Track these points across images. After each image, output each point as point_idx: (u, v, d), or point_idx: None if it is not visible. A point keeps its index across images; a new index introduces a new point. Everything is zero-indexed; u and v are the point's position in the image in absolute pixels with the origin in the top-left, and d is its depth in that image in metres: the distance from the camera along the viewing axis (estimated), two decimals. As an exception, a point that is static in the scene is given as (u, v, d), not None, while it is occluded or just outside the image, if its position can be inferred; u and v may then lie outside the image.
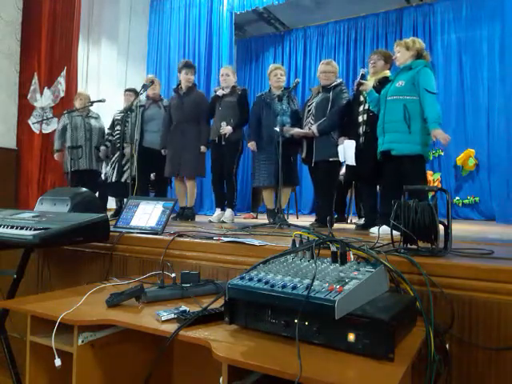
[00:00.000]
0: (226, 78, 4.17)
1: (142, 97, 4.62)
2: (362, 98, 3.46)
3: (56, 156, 4.96)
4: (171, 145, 4.24)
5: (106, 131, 4.85)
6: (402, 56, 3.07)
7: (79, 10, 5.86)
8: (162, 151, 4.33)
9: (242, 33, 8.50)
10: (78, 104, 4.88)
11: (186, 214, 4.24)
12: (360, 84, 3.29)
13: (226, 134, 4.01)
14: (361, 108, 3.44)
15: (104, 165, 5.00)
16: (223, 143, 4.04)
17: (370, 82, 3.35)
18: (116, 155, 4.56)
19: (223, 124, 4.05)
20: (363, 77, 3.37)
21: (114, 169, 4.56)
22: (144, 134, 4.45)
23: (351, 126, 3.50)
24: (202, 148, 4.15)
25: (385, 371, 0.96)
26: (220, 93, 4.12)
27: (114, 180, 4.53)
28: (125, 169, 4.50)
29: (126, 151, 4.40)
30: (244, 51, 8.77)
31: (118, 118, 4.70)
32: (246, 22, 8.05)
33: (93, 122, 4.87)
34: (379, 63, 3.46)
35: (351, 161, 3.34)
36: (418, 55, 3.04)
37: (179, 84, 4.34)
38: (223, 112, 4.07)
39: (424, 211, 1.56)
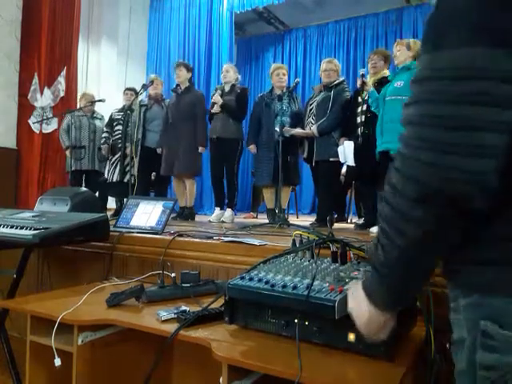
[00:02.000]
0: (225, 74, 4.19)
1: (142, 96, 4.63)
2: (359, 100, 3.46)
3: (68, 153, 4.90)
4: (167, 144, 4.25)
5: (104, 129, 4.83)
6: (401, 55, 3.08)
7: (79, 9, 5.86)
8: (158, 150, 4.33)
9: (242, 32, 8.49)
10: (83, 104, 4.88)
11: (185, 214, 4.24)
12: (364, 83, 3.29)
13: (215, 103, 4.02)
14: (359, 109, 3.45)
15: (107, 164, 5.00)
16: (215, 137, 4.04)
17: (369, 82, 3.35)
18: (117, 155, 4.56)
19: (218, 92, 4.07)
20: (363, 76, 3.38)
21: (115, 169, 4.56)
22: (146, 134, 4.46)
23: (351, 126, 3.51)
24: (200, 149, 4.14)
25: (385, 371, 0.96)
26: (218, 92, 4.11)
27: (115, 180, 4.53)
28: (127, 169, 4.50)
29: (127, 151, 4.40)
30: (244, 51, 8.76)
31: (118, 117, 4.69)
32: (246, 21, 8.04)
33: (97, 122, 4.87)
34: (379, 64, 3.47)
35: (350, 161, 3.35)
36: (417, 56, 3.05)
37: (178, 84, 4.34)
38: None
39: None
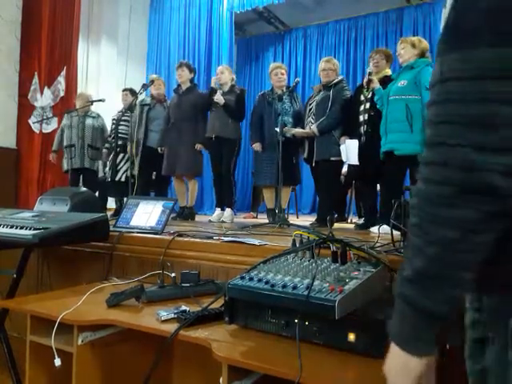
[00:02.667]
0: (220, 75, 4.18)
1: (142, 96, 4.62)
2: (362, 98, 3.45)
3: (50, 157, 5.02)
4: (168, 143, 4.25)
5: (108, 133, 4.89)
6: (406, 53, 3.06)
7: (79, 9, 5.86)
8: (159, 149, 4.33)
9: (242, 32, 8.49)
10: (78, 105, 4.90)
11: (185, 214, 4.23)
12: (370, 81, 3.28)
13: (217, 101, 4.01)
14: (361, 107, 3.44)
15: (101, 163, 5.06)
16: (213, 136, 4.03)
17: (375, 80, 3.35)
18: (112, 154, 4.61)
19: (219, 92, 4.06)
20: (370, 74, 3.37)
21: (110, 168, 4.59)
22: (148, 134, 4.46)
23: (353, 125, 3.50)
24: (198, 146, 4.11)
25: (385, 371, 0.96)
26: (220, 92, 4.10)
27: (110, 179, 4.55)
28: (119, 168, 4.52)
29: (127, 149, 4.43)
30: (244, 51, 8.75)
31: (114, 117, 4.74)
32: (246, 21, 8.04)
33: (89, 120, 4.86)
34: (382, 63, 3.46)
35: (354, 160, 3.33)
36: (422, 55, 3.04)
37: (179, 84, 4.34)
38: (221, 110, 4.06)
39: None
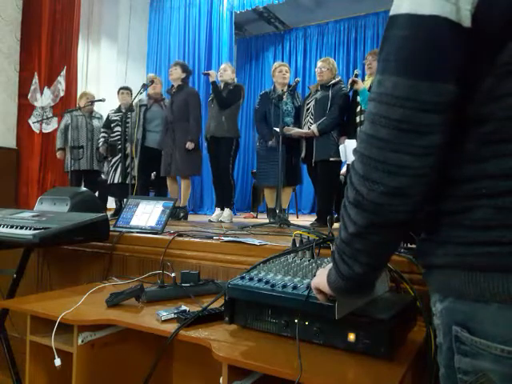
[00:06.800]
0: (222, 72, 4.16)
1: (142, 96, 4.62)
2: (358, 99, 3.47)
3: (58, 154, 4.94)
4: (164, 144, 4.23)
5: (101, 130, 4.80)
6: None
7: (79, 9, 5.86)
8: (163, 152, 4.33)
9: (242, 32, 8.49)
10: (83, 104, 4.87)
11: (177, 214, 4.19)
12: (354, 82, 3.32)
13: (208, 73, 4.12)
14: (358, 109, 3.46)
15: (105, 164, 5.01)
16: (209, 137, 4.03)
17: (366, 82, 3.37)
18: (118, 156, 4.56)
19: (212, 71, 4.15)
20: (357, 76, 3.40)
21: (115, 170, 4.55)
22: (146, 134, 4.45)
23: (351, 125, 3.51)
24: (188, 144, 4.03)
25: (385, 371, 0.96)
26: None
27: (117, 182, 4.51)
28: (129, 170, 4.49)
29: (127, 151, 4.40)
30: (244, 50, 8.75)
31: (117, 118, 4.69)
32: (246, 21, 8.04)
33: (95, 122, 4.86)
34: (374, 63, 3.47)
35: (351, 160, 3.35)
36: None
37: (172, 85, 4.32)
38: (215, 108, 4.05)
39: (424, 211, 1.56)
